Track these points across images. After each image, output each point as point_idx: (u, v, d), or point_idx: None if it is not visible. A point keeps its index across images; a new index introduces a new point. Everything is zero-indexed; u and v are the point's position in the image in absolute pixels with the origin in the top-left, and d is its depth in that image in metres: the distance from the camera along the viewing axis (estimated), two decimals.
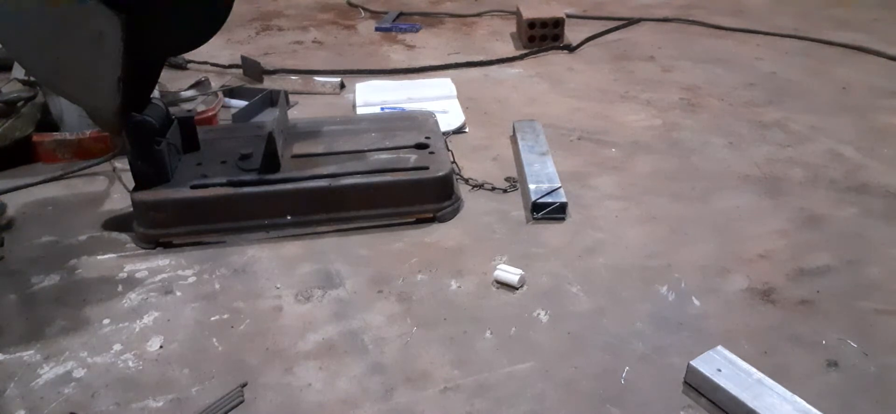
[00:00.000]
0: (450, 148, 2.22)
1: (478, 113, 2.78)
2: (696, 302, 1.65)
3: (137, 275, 1.78)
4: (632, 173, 2.27)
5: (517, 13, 3.80)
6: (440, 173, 1.99)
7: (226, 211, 1.90)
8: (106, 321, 1.61)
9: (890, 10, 4.20)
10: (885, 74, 3.15)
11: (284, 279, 1.76)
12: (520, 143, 2.36)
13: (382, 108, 2.77)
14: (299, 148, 2.11)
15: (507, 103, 2.89)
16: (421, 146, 2.12)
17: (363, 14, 4.37)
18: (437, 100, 2.83)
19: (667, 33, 3.85)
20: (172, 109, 2.18)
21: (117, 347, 1.53)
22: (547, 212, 1.99)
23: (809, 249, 1.85)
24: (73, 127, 2.40)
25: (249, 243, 1.90)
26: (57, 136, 2.37)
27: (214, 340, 1.55)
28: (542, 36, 3.57)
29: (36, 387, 1.43)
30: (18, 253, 1.88)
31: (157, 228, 1.89)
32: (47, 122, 2.42)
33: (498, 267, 1.74)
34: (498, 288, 1.71)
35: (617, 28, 3.91)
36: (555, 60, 3.44)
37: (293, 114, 2.78)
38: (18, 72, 2.60)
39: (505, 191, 2.16)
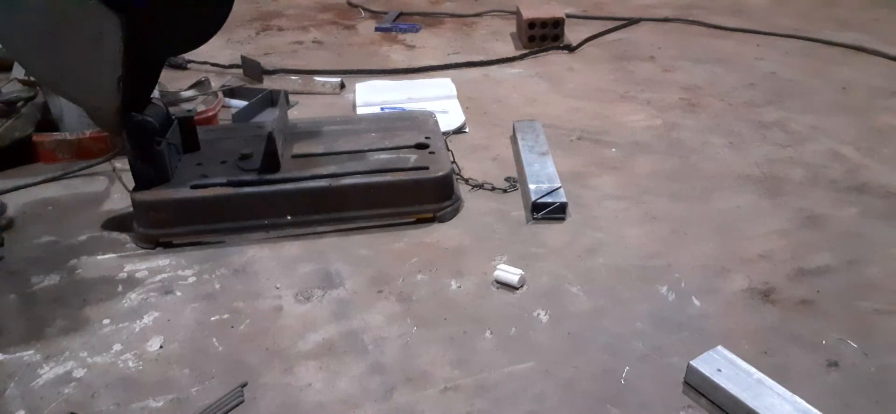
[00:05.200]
0: (450, 148, 2.22)
1: (478, 113, 2.78)
2: (696, 302, 1.65)
3: (137, 275, 1.78)
4: (632, 173, 2.27)
5: (517, 13, 3.80)
6: (440, 173, 1.99)
7: (226, 211, 1.90)
8: (106, 321, 1.61)
9: (890, 10, 4.20)
10: (885, 74, 3.15)
11: (284, 279, 1.76)
12: (520, 143, 2.35)
13: (382, 108, 2.76)
14: (299, 148, 2.11)
15: (507, 103, 2.89)
16: (421, 146, 2.12)
17: (363, 14, 4.37)
18: (437, 100, 2.83)
19: (667, 33, 3.85)
20: (172, 109, 2.18)
21: (117, 347, 1.53)
22: (547, 212, 1.99)
23: (809, 249, 1.85)
24: (73, 127, 2.40)
25: (249, 243, 1.90)
26: (57, 136, 2.37)
27: (214, 340, 1.55)
28: (542, 36, 3.57)
29: (36, 387, 1.43)
30: (18, 253, 1.88)
31: (157, 228, 1.89)
32: (47, 122, 2.42)
33: (498, 267, 1.74)
34: (498, 288, 1.71)
35: (617, 28, 3.91)
36: (555, 60, 3.44)
37: (293, 114, 2.78)
38: (18, 72, 2.60)
39: (505, 191, 2.16)
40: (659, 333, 1.55)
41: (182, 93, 2.79)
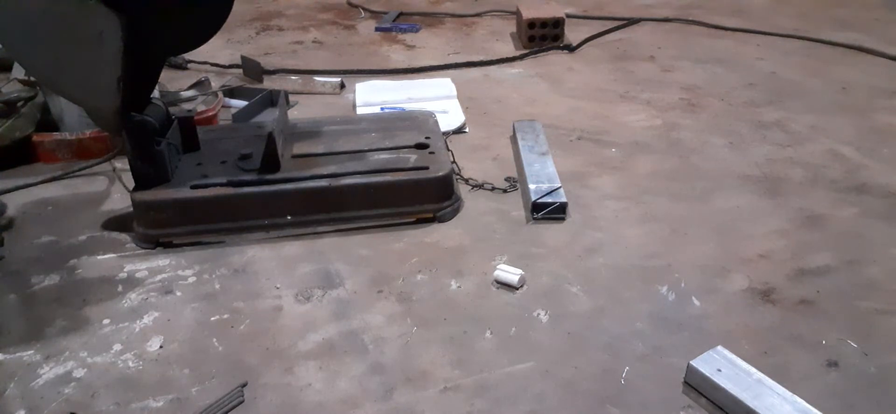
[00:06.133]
0: (450, 148, 2.22)
1: (478, 113, 2.78)
2: (696, 302, 1.65)
3: (137, 275, 1.78)
4: (632, 173, 2.27)
5: (517, 13, 3.80)
6: (440, 173, 1.99)
7: (226, 211, 1.90)
8: (106, 321, 1.61)
9: (890, 10, 4.20)
10: (885, 74, 3.15)
11: (284, 279, 1.76)
12: (520, 143, 2.35)
13: (382, 108, 2.77)
14: (299, 148, 2.11)
15: (507, 103, 2.89)
16: (421, 146, 2.12)
17: (363, 14, 4.37)
18: (437, 100, 2.83)
19: (667, 33, 3.85)
20: (172, 109, 2.18)
21: (117, 347, 1.53)
22: (547, 212, 1.99)
23: (809, 249, 1.85)
24: (73, 127, 2.40)
25: (249, 243, 1.90)
26: (57, 136, 2.37)
27: (214, 340, 1.55)
28: (542, 36, 3.57)
29: (36, 387, 1.43)
30: (18, 253, 1.88)
31: (157, 228, 1.89)
32: (47, 122, 2.42)
33: (498, 267, 1.74)
34: (498, 288, 1.71)
35: (617, 28, 3.91)
36: (555, 60, 3.44)
37: (293, 114, 2.78)
38: (18, 72, 2.61)
39: (505, 191, 2.16)
40: (659, 333, 1.55)
41: (182, 93, 2.79)
